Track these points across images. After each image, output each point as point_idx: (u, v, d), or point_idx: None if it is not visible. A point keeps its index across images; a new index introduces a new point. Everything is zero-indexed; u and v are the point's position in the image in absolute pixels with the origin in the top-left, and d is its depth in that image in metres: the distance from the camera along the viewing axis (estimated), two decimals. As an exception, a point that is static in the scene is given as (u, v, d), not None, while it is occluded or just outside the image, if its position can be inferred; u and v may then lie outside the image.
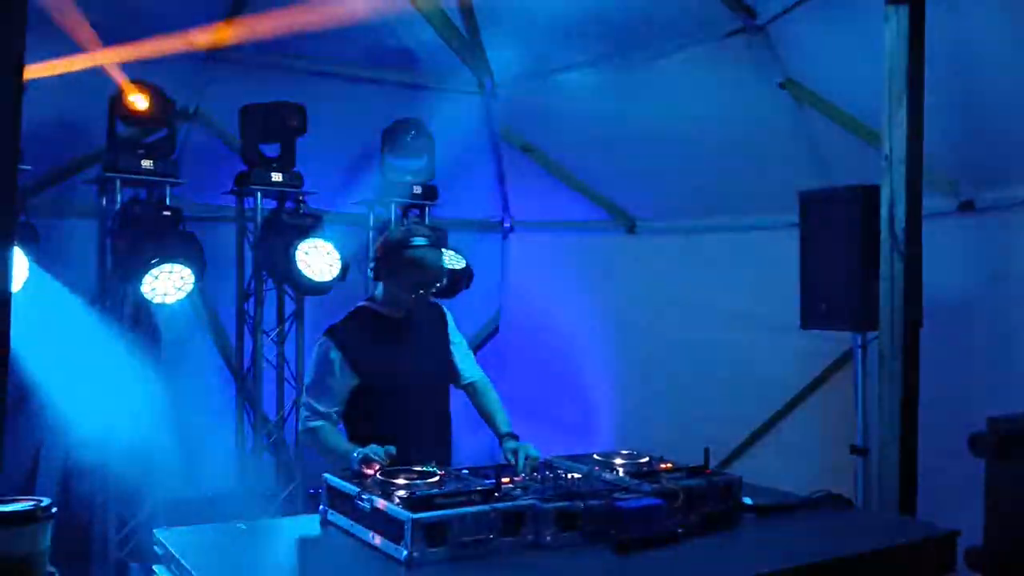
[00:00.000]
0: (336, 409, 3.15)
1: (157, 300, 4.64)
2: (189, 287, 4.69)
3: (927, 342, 3.66)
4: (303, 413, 3.19)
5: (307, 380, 3.25)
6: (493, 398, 3.40)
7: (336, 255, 5.10)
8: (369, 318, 3.27)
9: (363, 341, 3.19)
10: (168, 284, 4.60)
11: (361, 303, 3.38)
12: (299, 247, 4.96)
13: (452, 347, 3.43)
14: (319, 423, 3.12)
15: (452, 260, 5.47)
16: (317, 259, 5.03)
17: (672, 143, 5.63)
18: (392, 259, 3.18)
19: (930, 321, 3.71)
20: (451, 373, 3.41)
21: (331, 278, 5.09)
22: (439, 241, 3.27)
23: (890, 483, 3.60)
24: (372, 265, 3.28)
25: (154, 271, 4.52)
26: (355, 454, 2.74)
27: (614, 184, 6.41)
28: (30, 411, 5.72)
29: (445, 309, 3.48)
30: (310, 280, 5.03)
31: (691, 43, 5.10)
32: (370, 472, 2.60)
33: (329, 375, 3.14)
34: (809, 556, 2.20)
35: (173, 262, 4.57)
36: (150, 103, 4.77)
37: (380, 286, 3.30)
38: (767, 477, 2.99)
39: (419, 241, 3.16)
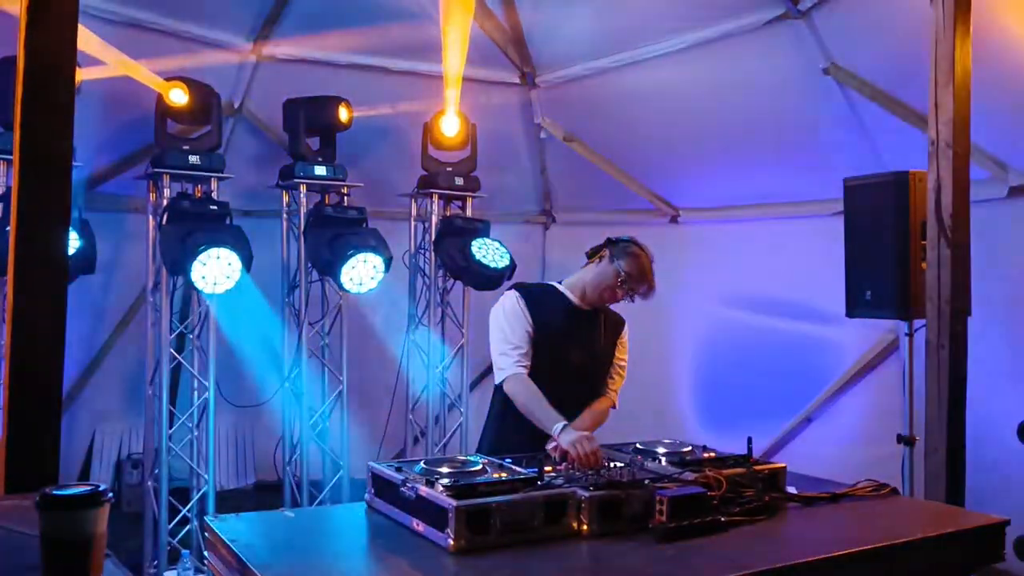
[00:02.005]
0: (528, 351, 3.17)
1: (208, 290, 4.69)
2: (237, 275, 4.72)
3: (975, 330, 3.60)
4: (507, 361, 3.15)
5: (502, 332, 3.21)
6: (598, 411, 3.35)
7: (381, 264, 5.13)
8: (554, 294, 3.33)
9: (543, 307, 3.25)
10: (217, 271, 4.64)
11: (551, 282, 3.43)
12: (346, 264, 5.03)
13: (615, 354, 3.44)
14: (519, 370, 3.13)
15: (497, 257, 5.47)
16: (363, 271, 5.10)
17: (715, 131, 5.59)
18: (621, 246, 3.26)
19: (978, 309, 3.65)
20: (603, 380, 3.41)
21: (373, 287, 5.19)
22: (644, 294, 3.28)
23: (937, 472, 3.55)
24: (598, 244, 3.33)
25: (202, 257, 4.57)
26: (556, 429, 2.86)
27: (657, 173, 6.39)
28: (83, 403, 5.88)
29: (626, 325, 3.50)
30: (353, 293, 5.22)
31: (733, 30, 5.05)
32: (560, 455, 2.73)
33: (522, 320, 3.19)
34: (853, 544, 2.18)
35: (220, 246, 4.62)
36: (190, 99, 4.84)
37: (578, 273, 3.35)
38: (812, 466, 2.97)
39: (647, 252, 3.29)
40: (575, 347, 3.27)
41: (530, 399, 3.08)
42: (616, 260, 3.23)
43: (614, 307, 3.40)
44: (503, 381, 3.16)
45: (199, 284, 4.64)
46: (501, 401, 3.23)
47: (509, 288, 3.33)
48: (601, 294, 3.27)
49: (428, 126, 5.69)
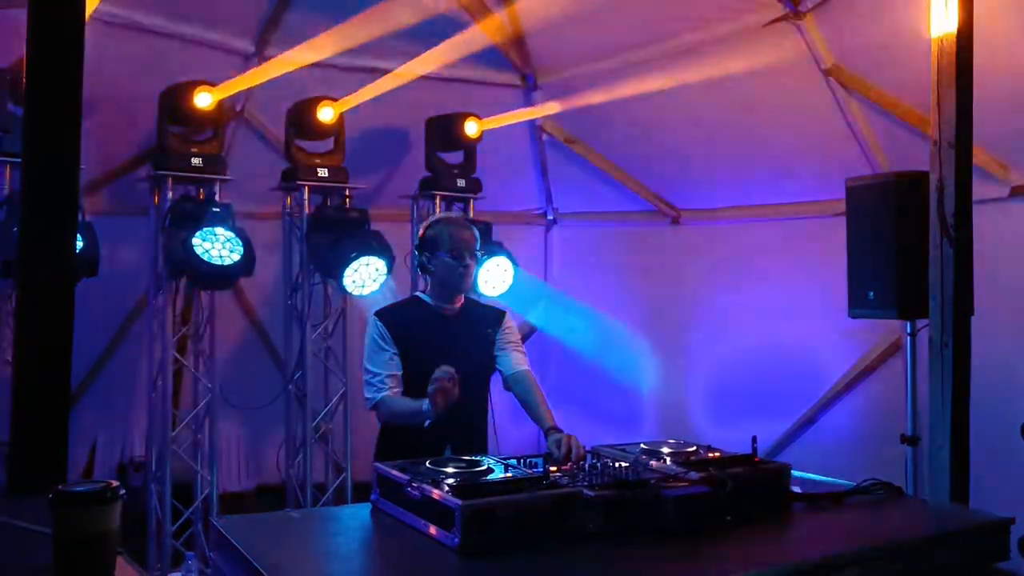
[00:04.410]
0: (392, 374, 3.19)
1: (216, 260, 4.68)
2: (238, 253, 4.70)
3: (977, 329, 3.61)
4: (367, 393, 3.22)
5: (368, 359, 3.26)
6: (535, 391, 3.36)
7: (384, 267, 5.13)
8: (417, 306, 3.34)
9: (407, 324, 3.25)
10: (222, 253, 4.64)
11: (416, 293, 3.47)
12: (348, 267, 5.04)
13: (497, 345, 3.41)
14: (383, 395, 3.17)
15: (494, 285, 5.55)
16: (365, 274, 5.12)
17: (716, 132, 5.59)
18: (429, 245, 3.27)
19: (981, 308, 3.66)
20: (490, 369, 3.41)
21: (375, 289, 5.19)
22: (469, 245, 3.26)
23: (941, 472, 3.55)
24: (414, 258, 3.38)
25: (199, 235, 4.57)
26: (425, 406, 2.89)
27: (658, 175, 6.39)
28: (85, 406, 5.88)
29: (507, 315, 3.48)
30: (356, 296, 5.26)
31: (734, 31, 5.06)
32: (442, 401, 2.82)
33: (382, 348, 3.22)
34: (858, 543, 2.18)
35: (217, 226, 4.62)
36: (213, 100, 4.85)
37: (429, 284, 3.36)
38: (816, 466, 2.97)
39: (441, 215, 3.36)
40: (446, 350, 3.17)
41: (400, 412, 3.13)
42: (438, 254, 3.24)
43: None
44: (373, 407, 3.21)
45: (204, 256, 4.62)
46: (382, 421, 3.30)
47: (373, 314, 3.31)
48: (460, 282, 3.27)
49: (430, 126, 5.69)
